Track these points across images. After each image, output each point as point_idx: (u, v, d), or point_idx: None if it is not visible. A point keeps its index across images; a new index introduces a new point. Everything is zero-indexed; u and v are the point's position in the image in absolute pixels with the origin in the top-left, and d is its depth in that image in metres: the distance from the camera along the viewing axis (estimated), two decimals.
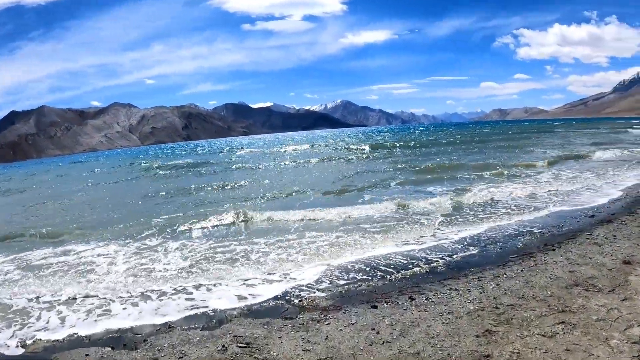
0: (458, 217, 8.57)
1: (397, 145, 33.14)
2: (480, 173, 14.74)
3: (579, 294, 4.07)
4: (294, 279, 5.52)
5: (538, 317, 3.62)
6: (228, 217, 9.31)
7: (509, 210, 8.93)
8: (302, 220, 9.03)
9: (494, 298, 4.10)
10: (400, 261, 5.97)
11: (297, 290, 5.10)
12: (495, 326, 3.50)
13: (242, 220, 9.26)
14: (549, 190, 10.83)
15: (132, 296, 5.25)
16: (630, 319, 3.48)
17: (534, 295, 4.11)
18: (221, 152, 47.77)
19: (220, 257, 6.73)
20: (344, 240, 7.20)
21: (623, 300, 3.84)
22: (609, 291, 4.07)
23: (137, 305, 4.97)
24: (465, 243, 6.77)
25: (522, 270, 4.87)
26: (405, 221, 8.45)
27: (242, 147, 52.61)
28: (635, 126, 44.70)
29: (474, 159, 19.40)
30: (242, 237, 7.96)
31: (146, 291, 5.41)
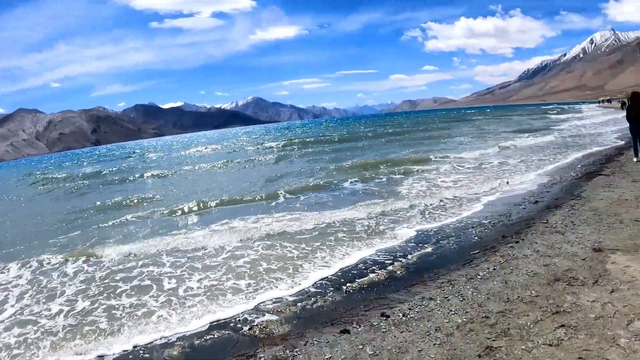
0: (396, 216, 8.62)
1: (308, 141, 33.70)
2: (410, 167, 15.30)
3: (564, 289, 4.08)
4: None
5: (535, 323, 3.49)
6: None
7: (448, 203, 9.44)
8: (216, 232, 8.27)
9: (479, 305, 3.92)
10: (351, 268, 5.66)
11: (243, 315, 4.47)
12: (494, 340, 3.27)
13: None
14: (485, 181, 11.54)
15: None
16: (627, 312, 3.52)
17: (519, 297, 4.01)
18: (130, 156, 47.26)
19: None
20: (281, 253, 6.68)
21: (611, 292, 3.91)
22: (594, 284, 4.14)
23: None
24: (414, 242, 6.78)
25: (494, 269, 4.82)
26: (344, 224, 8.26)
27: (152, 150, 53.90)
28: (549, 111, 51.24)
29: (399, 152, 20.20)
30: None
31: None
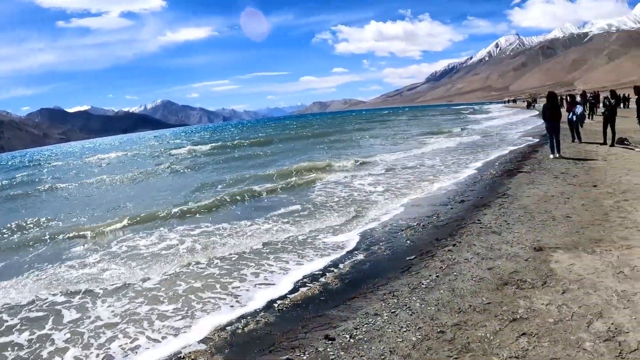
0: (321, 225, 8.46)
1: (219, 146, 32.69)
2: (326, 173, 15.33)
3: (515, 294, 4.12)
4: None
5: (494, 334, 3.43)
6: None
7: (372, 207, 9.50)
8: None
9: (431, 319, 3.79)
10: None
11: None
12: (456, 359, 3.11)
13: None
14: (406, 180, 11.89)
15: None
16: (584, 313, 3.62)
17: (471, 306, 3.96)
18: (30, 165, 44.53)
19: None
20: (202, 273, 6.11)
21: (563, 293, 4.03)
22: (543, 285, 4.25)
23: None
24: (345, 248, 6.64)
25: (437, 276, 4.78)
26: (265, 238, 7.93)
27: (54, 158, 51.47)
28: (462, 111, 55.65)
29: (318, 156, 20.26)
30: None
31: None
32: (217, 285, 5.57)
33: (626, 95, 36.53)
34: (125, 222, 9.65)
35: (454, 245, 5.78)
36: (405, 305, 4.13)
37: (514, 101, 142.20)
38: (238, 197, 11.56)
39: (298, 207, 10.05)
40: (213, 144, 34.93)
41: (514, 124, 32.73)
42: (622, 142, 14.79)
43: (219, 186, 13.91)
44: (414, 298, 4.26)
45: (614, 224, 6.13)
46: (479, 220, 6.96)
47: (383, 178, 13.03)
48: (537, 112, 45.91)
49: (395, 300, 4.26)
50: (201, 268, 6.32)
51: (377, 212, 8.94)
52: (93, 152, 50.62)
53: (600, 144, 15.03)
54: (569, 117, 15.61)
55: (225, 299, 5.15)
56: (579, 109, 15.47)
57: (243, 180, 14.57)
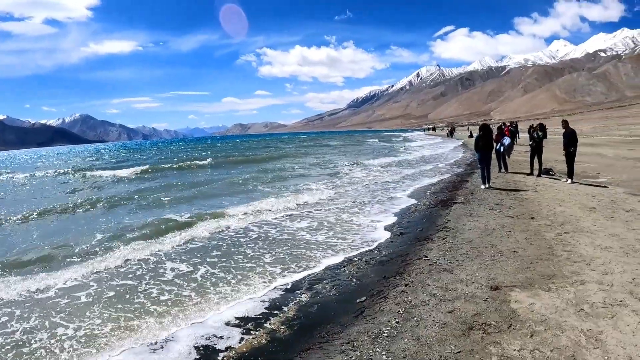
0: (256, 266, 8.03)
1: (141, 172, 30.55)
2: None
3: (484, 339, 4.05)
4: None
5: None
6: None
7: (308, 245, 9.15)
8: None
9: None
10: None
11: None
12: None
13: None
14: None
15: None
16: (557, 357, 3.65)
17: (442, 356, 3.81)
18: None
19: None
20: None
21: (531, 336, 4.04)
22: (509, 328, 4.23)
23: None
24: (285, 290, 6.31)
25: (397, 322, 4.60)
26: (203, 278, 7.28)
27: None
28: (391, 138, 57.50)
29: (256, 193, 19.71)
30: None
31: None
32: None
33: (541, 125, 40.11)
34: None
35: (406, 285, 5.65)
36: (370, 359, 3.87)
37: (434, 129, 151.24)
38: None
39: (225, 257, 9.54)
40: (133, 169, 32.18)
41: (441, 155, 34.34)
42: (548, 172, 15.89)
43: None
44: (378, 349, 4.03)
45: (562, 258, 6.38)
46: (425, 256, 6.93)
47: (315, 211, 12.83)
48: (461, 142, 48.78)
49: (358, 354, 3.99)
50: None
51: (320, 250, 8.65)
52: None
53: (527, 174, 16.03)
54: (497, 147, 16.51)
55: None
56: (506, 140, 16.45)
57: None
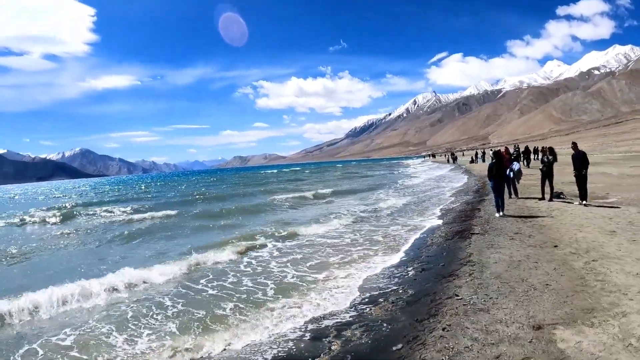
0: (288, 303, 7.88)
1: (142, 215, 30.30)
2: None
3: None
4: None
5: None
6: None
7: (324, 287, 9.02)
8: None
9: None
10: None
11: None
12: None
13: None
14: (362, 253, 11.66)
15: None
16: None
17: None
18: None
19: None
20: None
21: None
22: None
23: None
24: (312, 338, 6.10)
25: None
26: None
27: None
28: (391, 168, 57.95)
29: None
30: None
31: None
32: None
33: (537, 148, 40.71)
34: None
35: (444, 329, 5.48)
36: None
37: (433, 155, 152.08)
38: None
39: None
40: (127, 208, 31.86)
41: (447, 181, 34.32)
42: (559, 196, 15.83)
43: None
44: None
45: (596, 288, 6.24)
46: (456, 294, 6.76)
47: (320, 252, 12.71)
48: (464, 168, 48.88)
49: None
50: None
51: (337, 293, 8.48)
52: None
53: (539, 199, 15.96)
54: (507, 173, 16.49)
55: None
56: (515, 165, 16.44)
57: None
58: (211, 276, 10.30)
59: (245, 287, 9.27)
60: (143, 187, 70.82)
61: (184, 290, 9.27)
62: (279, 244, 13.75)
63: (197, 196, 39.10)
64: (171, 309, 8.10)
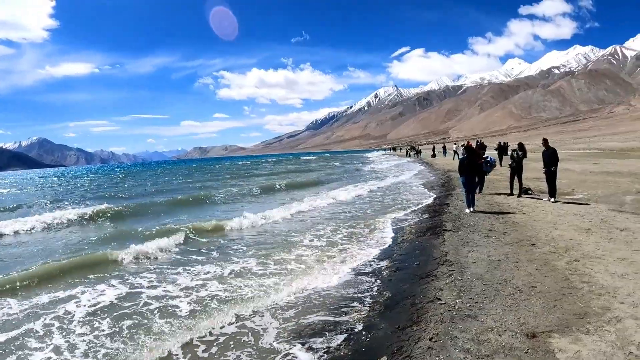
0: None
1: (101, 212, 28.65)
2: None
3: None
4: None
5: None
6: None
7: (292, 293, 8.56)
8: None
9: None
10: None
11: None
12: None
13: None
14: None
15: None
16: None
17: None
18: None
19: None
20: None
21: None
22: None
23: None
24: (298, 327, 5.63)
25: None
26: None
27: None
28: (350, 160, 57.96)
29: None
30: None
31: None
32: None
33: (502, 144, 41.34)
34: None
35: (431, 339, 5.09)
36: None
37: (394, 149, 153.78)
38: None
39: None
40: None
41: (413, 177, 34.45)
42: (527, 192, 15.89)
43: None
44: None
45: (584, 291, 6.07)
46: (438, 298, 6.41)
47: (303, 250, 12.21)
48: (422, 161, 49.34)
49: None
50: None
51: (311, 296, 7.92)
52: None
53: (508, 194, 16.00)
54: (483, 168, 16.40)
55: None
56: (492, 159, 16.44)
57: None
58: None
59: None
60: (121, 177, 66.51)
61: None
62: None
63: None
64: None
